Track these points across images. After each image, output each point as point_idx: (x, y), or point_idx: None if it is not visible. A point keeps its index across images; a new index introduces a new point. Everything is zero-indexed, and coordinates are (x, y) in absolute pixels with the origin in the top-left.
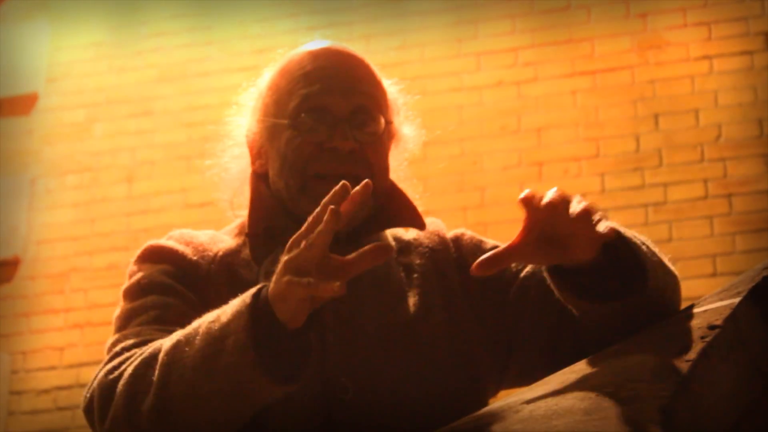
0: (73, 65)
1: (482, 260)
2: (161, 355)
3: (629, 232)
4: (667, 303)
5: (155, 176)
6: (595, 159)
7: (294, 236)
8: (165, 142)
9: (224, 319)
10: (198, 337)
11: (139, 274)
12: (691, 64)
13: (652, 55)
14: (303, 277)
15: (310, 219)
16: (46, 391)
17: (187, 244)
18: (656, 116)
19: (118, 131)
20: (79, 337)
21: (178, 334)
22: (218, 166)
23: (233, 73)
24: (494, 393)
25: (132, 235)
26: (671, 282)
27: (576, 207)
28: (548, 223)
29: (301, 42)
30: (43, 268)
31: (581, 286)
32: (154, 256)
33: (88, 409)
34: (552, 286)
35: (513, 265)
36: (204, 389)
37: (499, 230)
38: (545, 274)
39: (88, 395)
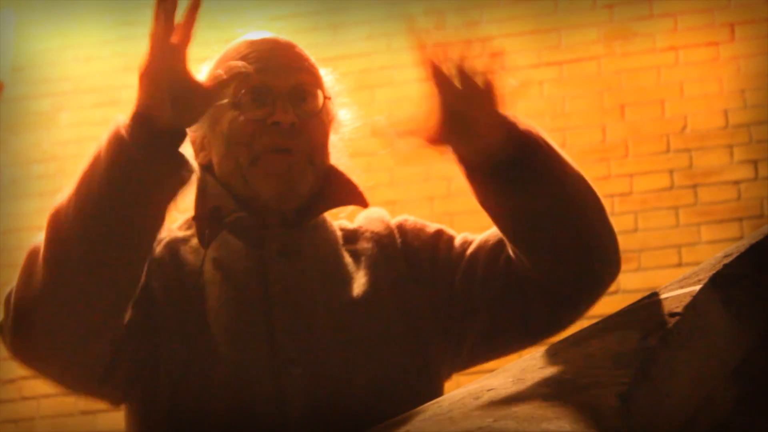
0: (38, 54)
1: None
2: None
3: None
4: (577, 200)
5: None
6: (561, 149)
7: None
8: None
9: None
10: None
11: None
12: (657, 55)
13: (618, 46)
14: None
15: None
16: (11, 381)
17: None
18: (622, 107)
19: (84, 120)
20: None
21: None
22: None
23: (200, 62)
24: (448, 375)
25: None
26: (579, 183)
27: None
28: (459, 97)
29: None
30: (8, 257)
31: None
32: None
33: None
34: (472, 186)
35: (458, 244)
36: (90, 195)
37: (465, 220)
38: (463, 173)
39: None
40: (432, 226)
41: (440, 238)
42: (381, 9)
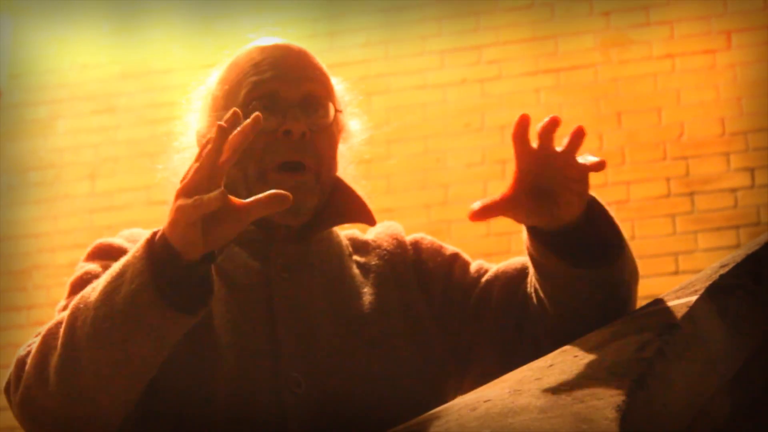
0: (35, 61)
1: (477, 209)
2: (68, 311)
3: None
4: (629, 288)
5: (118, 173)
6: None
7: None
8: (128, 139)
9: (124, 258)
10: (101, 280)
11: (83, 270)
12: (654, 63)
13: (615, 54)
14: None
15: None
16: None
17: (135, 242)
18: (619, 114)
19: (80, 128)
20: None
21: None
22: (169, 170)
23: (196, 69)
24: (453, 396)
25: (95, 232)
26: (635, 267)
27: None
28: (538, 171)
29: None
30: (5, 264)
31: (560, 247)
32: (101, 252)
33: (6, 388)
34: (531, 245)
35: (474, 270)
36: (106, 325)
37: (462, 228)
38: (525, 234)
39: (7, 375)
40: (449, 249)
41: (455, 262)
42: (378, 16)
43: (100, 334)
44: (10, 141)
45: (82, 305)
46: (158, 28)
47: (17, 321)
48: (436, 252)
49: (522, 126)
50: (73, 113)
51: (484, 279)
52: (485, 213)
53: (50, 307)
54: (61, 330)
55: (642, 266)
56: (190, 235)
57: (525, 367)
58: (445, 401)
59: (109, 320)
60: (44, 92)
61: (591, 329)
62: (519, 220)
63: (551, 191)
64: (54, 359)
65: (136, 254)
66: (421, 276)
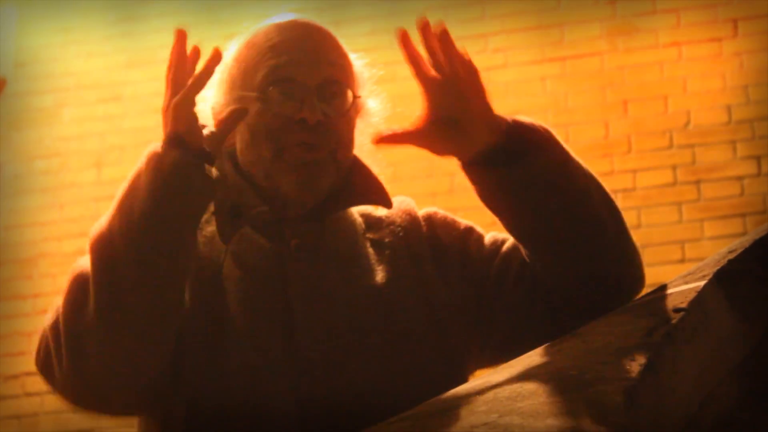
0: (41, 50)
1: (384, 135)
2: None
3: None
4: (588, 195)
5: (124, 161)
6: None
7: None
8: (134, 128)
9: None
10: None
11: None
12: (660, 51)
13: (621, 42)
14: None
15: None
16: (14, 377)
17: None
18: (625, 103)
19: (86, 116)
20: None
21: None
22: None
23: (202, 58)
24: (474, 370)
25: None
26: (591, 177)
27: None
28: (447, 102)
29: None
30: (11, 253)
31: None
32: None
33: (45, 363)
34: (470, 179)
35: (489, 242)
36: (136, 219)
37: (468, 216)
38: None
39: (40, 348)
40: (462, 222)
41: (470, 236)
42: (384, 5)
43: (130, 225)
44: (16, 130)
45: (102, 232)
46: (164, 16)
47: (23, 309)
48: (450, 226)
49: (406, 45)
50: (79, 102)
51: (502, 250)
52: (392, 139)
53: (56, 295)
54: (90, 261)
55: (648, 254)
56: (185, 120)
57: (533, 352)
58: (464, 376)
59: (131, 209)
60: (50, 81)
61: (584, 272)
62: (432, 151)
63: (460, 120)
64: (92, 284)
65: (142, 164)
66: (435, 251)
